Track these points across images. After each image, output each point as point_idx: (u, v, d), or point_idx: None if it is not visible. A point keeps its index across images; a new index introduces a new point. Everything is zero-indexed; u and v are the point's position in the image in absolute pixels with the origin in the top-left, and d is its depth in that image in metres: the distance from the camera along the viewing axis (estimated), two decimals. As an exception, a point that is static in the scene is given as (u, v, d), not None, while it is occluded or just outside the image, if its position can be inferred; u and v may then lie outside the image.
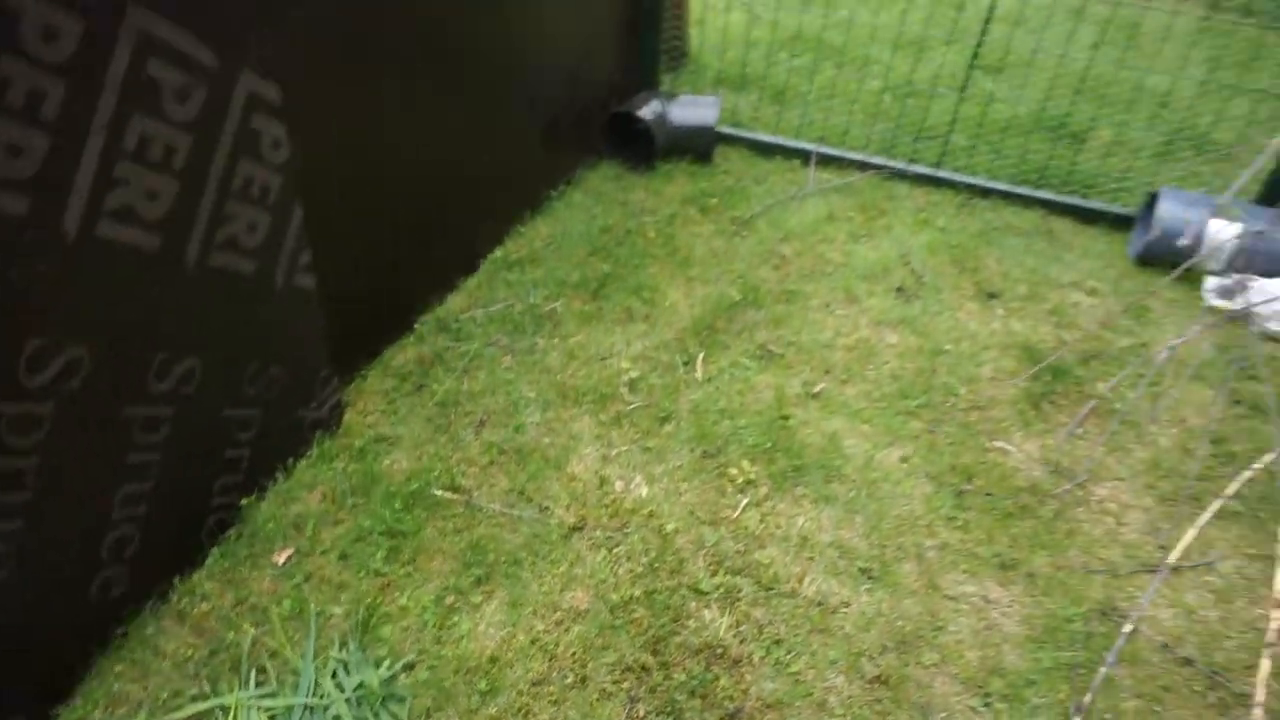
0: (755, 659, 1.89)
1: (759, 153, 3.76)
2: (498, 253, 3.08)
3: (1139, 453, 2.48)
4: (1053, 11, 4.85)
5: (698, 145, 3.60)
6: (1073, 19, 4.10)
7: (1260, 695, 1.71)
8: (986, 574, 2.12)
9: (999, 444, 2.47)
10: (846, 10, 4.98)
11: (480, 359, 2.62)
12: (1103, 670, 1.87)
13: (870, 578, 2.08)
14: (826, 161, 3.70)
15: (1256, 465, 2.34)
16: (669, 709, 1.79)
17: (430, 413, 2.43)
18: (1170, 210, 3.17)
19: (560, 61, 3.17)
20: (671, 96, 3.64)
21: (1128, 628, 1.97)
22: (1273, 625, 1.77)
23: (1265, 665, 1.72)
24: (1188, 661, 1.94)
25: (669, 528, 2.15)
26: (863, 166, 3.66)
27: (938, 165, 3.67)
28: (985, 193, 3.59)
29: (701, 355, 2.67)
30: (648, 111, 3.49)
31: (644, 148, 3.52)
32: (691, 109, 3.58)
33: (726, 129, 3.79)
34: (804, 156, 3.70)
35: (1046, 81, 4.09)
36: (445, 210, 2.76)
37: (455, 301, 2.85)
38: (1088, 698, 1.84)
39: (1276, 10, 5.71)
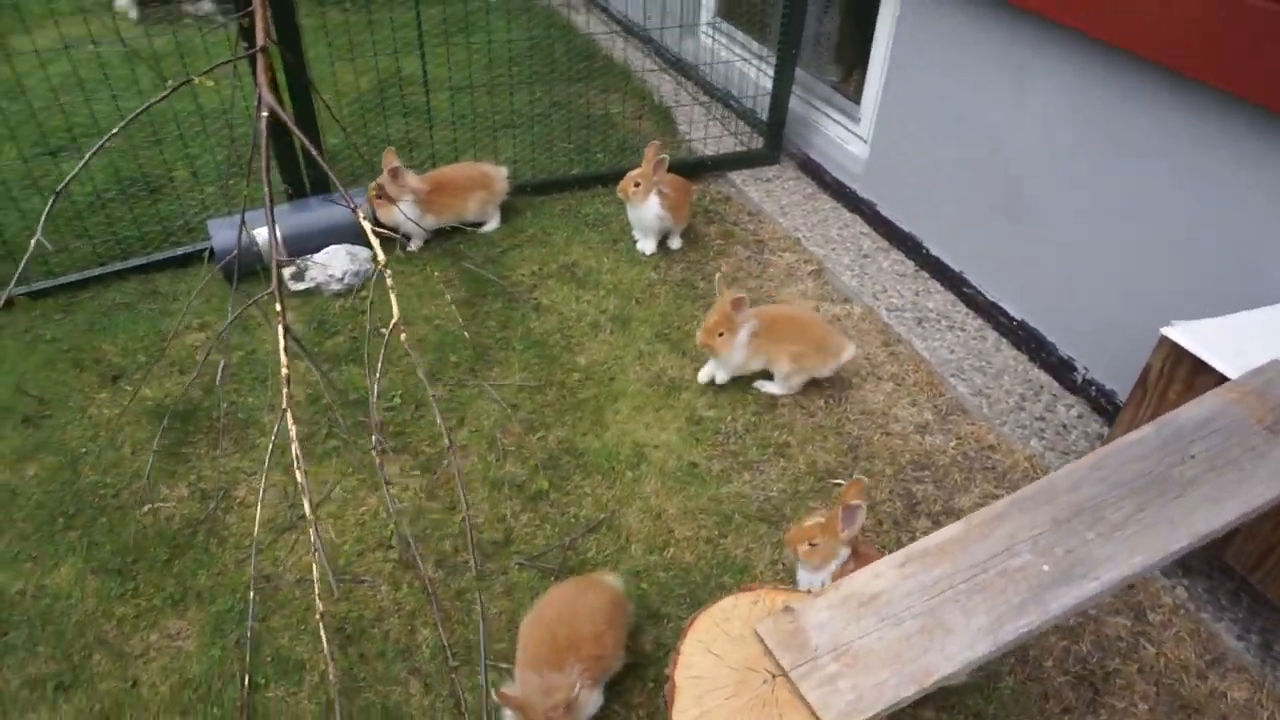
0: (-22, 829, 2.16)
1: None
2: None
3: (267, 443, 3.17)
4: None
5: None
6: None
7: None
8: (165, 617, 2.63)
9: (151, 507, 2.95)
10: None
11: None
12: (249, 627, 2.53)
13: (63, 687, 2.45)
14: (-90, 328, 3.63)
15: (353, 400, 3.19)
16: None
17: None
18: (223, 236, 3.85)
19: None
20: None
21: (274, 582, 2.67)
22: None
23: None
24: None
25: None
26: (-50, 316, 3.69)
27: (26, 280, 3.85)
28: (84, 284, 3.90)
29: None
30: None
31: None
32: None
33: None
34: (-119, 336, 3.58)
35: (125, 136, 4.46)
36: None
37: None
38: (247, 658, 2.48)
39: None
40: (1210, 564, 2.80)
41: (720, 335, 3.18)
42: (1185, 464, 2.12)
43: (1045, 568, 2.00)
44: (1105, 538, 2.02)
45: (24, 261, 1.95)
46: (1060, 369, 3.50)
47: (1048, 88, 3.30)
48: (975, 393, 3.45)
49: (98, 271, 3.94)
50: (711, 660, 2.07)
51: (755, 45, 5.17)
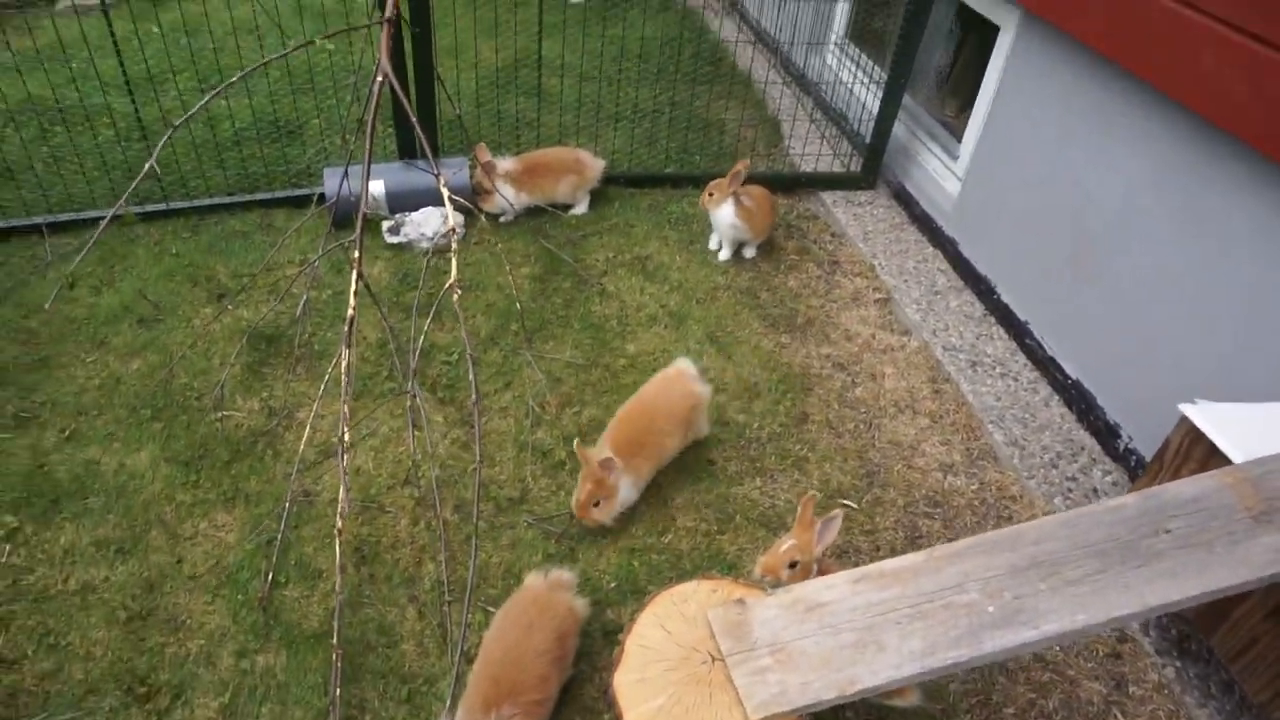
0: (31, 652, 2.54)
1: (-6, 239, 4.09)
2: None
3: (330, 374, 3.50)
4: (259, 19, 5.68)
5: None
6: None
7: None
8: (216, 510, 2.98)
9: (223, 414, 3.32)
10: (70, 65, 5.31)
11: None
12: (281, 531, 2.84)
13: (122, 552, 2.82)
14: (64, 228, 4.15)
15: (414, 355, 3.49)
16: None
17: None
18: (332, 182, 4.22)
19: None
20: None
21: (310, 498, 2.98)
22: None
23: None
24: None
25: (-58, 598, 2.66)
26: (97, 221, 4.19)
27: (166, 199, 4.34)
28: (213, 209, 4.36)
29: (-47, 448, 3.12)
30: None
31: None
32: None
33: (-51, 229, 4.04)
34: (39, 230, 4.11)
35: (268, 84, 4.95)
36: None
37: None
38: (275, 557, 2.80)
39: None
40: (1211, 650, 2.74)
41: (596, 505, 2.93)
42: (1157, 537, 2.13)
43: (990, 609, 2.06)
44: (1056, 591, 2.06)
45: (134, 183, 2.28)
46: (1105, 434, 3.45)
47: (1135, 150, 3.26)
48: (1010, 442, 3.44)
49: (226, 200, 4.40)
50: (662, 635, 2.23)
51: (876, 70, 5.20)
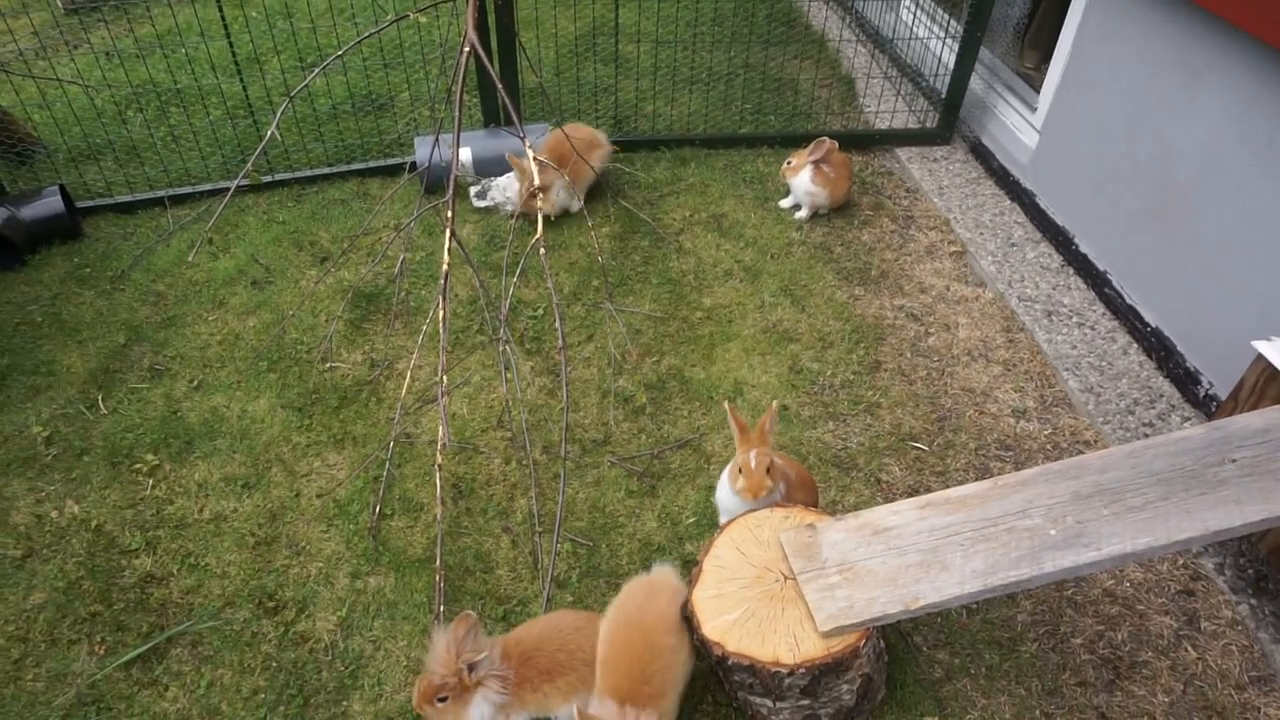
0: (175, 570, 2.86)
1: (124, 212, 4.46)
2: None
3: (426, 328, 3.75)
4: None
5: (60, 229, 4.21)
6: None
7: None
8: (327, 450, 3.26)
9: (331, 365, 3.60)
10: (183, 49, 5.70)
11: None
12: (386, 470, 3.10)
13: (247, 486, 3.13)
14: (184, 200, 4.51)
15: (505, 304, 3.72)
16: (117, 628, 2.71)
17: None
18: (422, 151, 4.46)
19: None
20: (19, 197, 4.20)
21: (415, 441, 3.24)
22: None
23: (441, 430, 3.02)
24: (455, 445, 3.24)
25: (96, 524, 3.01)
26: (213, 193, 4.53)
27: (271, 171, 4.66)
28: (313, 180, 4.66)
29: (100, 396, 3.47)
30: (-2, 217, 4.03)
31: (6, 250, 4.07)
32: (36, 203, 4.17)
33: (87, 203, 4.43)
34: (162, 203, 4.48)
35: (360, 60, 5.23)
36: None
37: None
38: (382, 491, 3.06)
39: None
40: (1286, 590, 2.76)
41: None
42: (1223, 465, 2.19)
43: (1052, 532, 2.16)
44: (1118, 517, 2.14)
45: (260, 148, 2.53)
46: (1185, 380, 3.44)
47: (1219, 93, 3.22)
48: (1086, 389, 3.47)
49: (325, 171, 4.69)
50: (738, 556, 2.39)
51: (952, 24, 5.17)
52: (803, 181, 4.27)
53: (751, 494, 2.53)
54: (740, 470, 2.56)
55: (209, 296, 3.95)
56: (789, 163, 4.32)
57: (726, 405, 2.64)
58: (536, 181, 2.85)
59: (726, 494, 2.66)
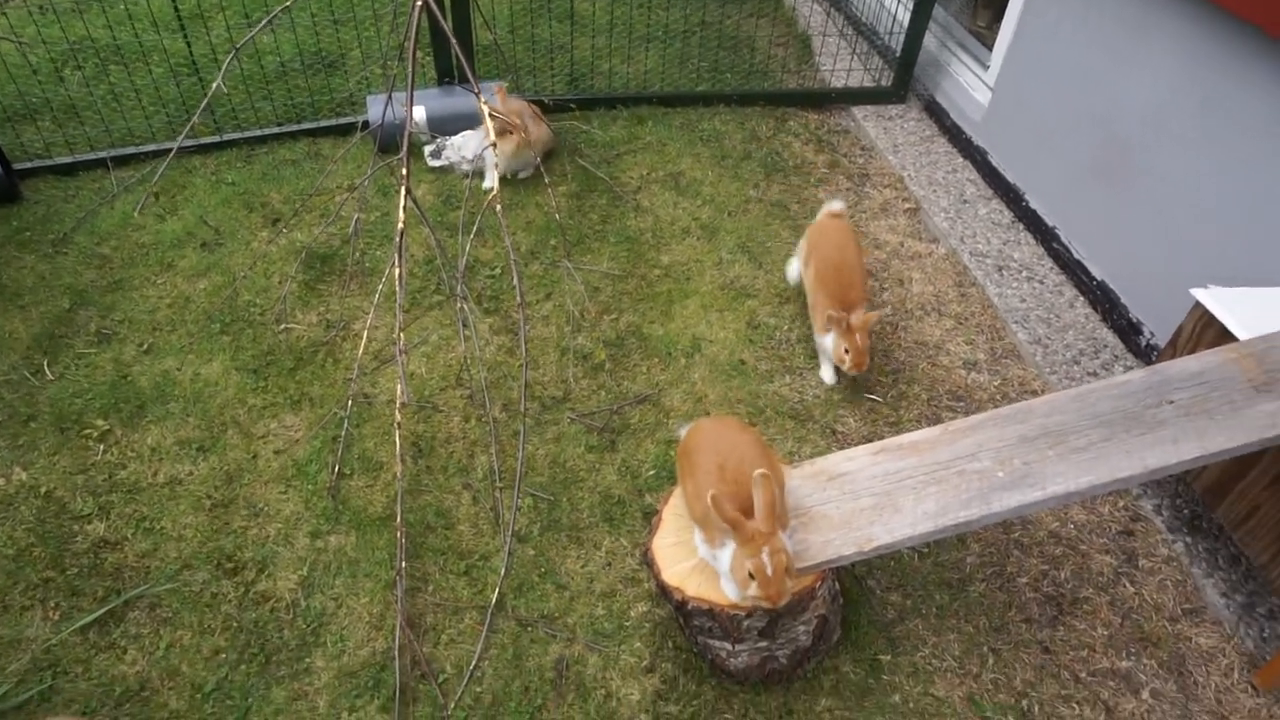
0: (130, 535, 2.83)
1: (64, 174, 4.32)
2: None
3: (382, 288, 3.71)
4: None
5: (-4, 190, 4.08)
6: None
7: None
8: (284, 412, 3.23)
9: (285, 326, 3.56)
10: (123, 3, 5.50)
11: None
12: (344, 429, 3.09)
13: (203, 450, 3.09)
14: (127, 161, 4.38)
15: (462, 262, 3.69)
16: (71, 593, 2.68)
17: None
18: (375, 109, 4.38)
19: None
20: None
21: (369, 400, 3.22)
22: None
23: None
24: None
25: (45, 490, 2.96)
26: (158, 154, 4.41)
27: (219, 130, 4.54)
28: (263, 140, 4.56)
29: (46, 361, 3.39)
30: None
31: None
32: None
33: (25, 165, 4.28)
34: (104, 164, 4.35)
35: (309, 16, 5.10)
36: None
37: None
38: (340, 451, 3.05)
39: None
40: (1221, 528, 2.88)
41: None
42: (1160, 407, 2.27)
43: (1000, 474, 2.23)
44: (1063, 458, 2.22)
45: (204, 102, 2.47)
46: (1128, 331, 3.55)
47: (1163, 51, 3.29)
48: (1034, 341, 3.56)
49: (275, 130, 4.59)
50: (696, 506, 2.43)
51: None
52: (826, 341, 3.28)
53: (770, 603, 2.07)
54: (752, 575, 2.03)
55: (157, 259, 3.87)
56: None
57: (709, 498, 2.00)
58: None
59: (732, 589, 2.16)
